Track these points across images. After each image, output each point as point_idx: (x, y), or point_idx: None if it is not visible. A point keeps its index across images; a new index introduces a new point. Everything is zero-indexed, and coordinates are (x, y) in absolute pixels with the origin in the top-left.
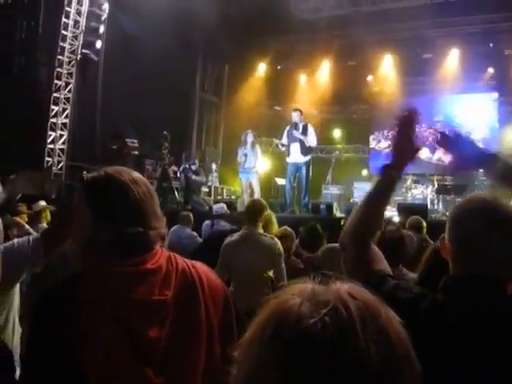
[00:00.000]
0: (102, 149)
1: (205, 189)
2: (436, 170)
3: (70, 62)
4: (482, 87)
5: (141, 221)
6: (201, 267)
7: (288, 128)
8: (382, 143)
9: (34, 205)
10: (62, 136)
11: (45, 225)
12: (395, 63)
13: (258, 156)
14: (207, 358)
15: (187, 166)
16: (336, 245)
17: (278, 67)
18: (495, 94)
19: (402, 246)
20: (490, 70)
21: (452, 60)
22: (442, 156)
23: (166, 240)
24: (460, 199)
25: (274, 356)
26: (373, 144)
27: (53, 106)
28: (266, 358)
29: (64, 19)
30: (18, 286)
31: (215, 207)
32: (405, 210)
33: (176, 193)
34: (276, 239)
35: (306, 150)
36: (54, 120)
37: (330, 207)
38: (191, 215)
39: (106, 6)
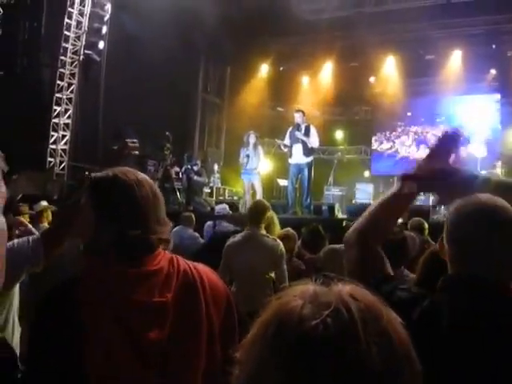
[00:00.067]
0: (104, 149)
1: (207, 190)
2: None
3: (72, 63)
4: (485, 88)
5: (143, 223)
6: (203, 269)
7: (290, 129)
8: (384, 144)
9: (36, 205)
10: (64, 136)
11: (46, 225)
12: (397, 64)
13: (260, 157)
14: (207, 358)
15: (189, 166)
16: (338, 246)
17: (281, 68)
18: (497, 96)
19: (404, 247)
20: (493, 72)
21: (454, 61)
22: None
23: (170, 243)
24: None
25: (276, 356)
26: (375, 145)
27: (55, 107)
28: (268, 359)
29: (67, 20)
30: (17, 286)
31: (217, 208)
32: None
33: (178, 194)
34: (278, 240)
35: (308, 151)
36: (56, 120)
37: (331, 208)
38: (193, 216)
39: (108, 7)
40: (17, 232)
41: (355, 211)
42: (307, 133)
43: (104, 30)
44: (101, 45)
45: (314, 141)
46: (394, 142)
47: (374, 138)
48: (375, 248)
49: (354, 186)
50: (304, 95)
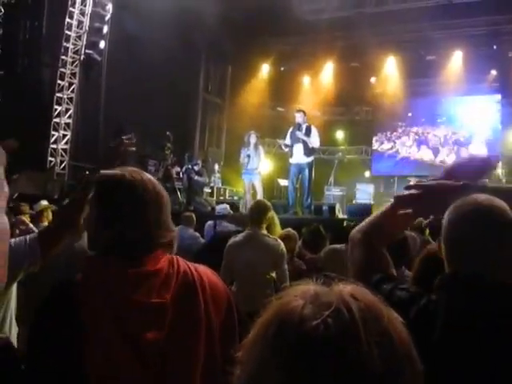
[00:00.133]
0: (104, 149)
1: (207, 189)
2: (439, 172)
3: (73, 63)
4: (485, 89)
5: (145, 224)
6: (203, 270)
7: (291, 129)
8: (384, 145)
9: (36, 205)
10: (64, 136)
11: (47, 224)
12: (398, 65)
13: (260, 157)
14: (207, 358)
15: (190, 166)
16: (339, 246)
17: (281, 68)
18: (498, 96)
19: (404, 247)
20: (494, 72)
21: (455, 62)
22: (445, 158)
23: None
24: None
25: (277, 356)
26: (375, 145)
27: (56, 106)
28: (268, 359)
29: (68, 19)
30: (15, 285)
31: (218, 208)
32: None
33: (178, 193)
34: (279, 240)
35: (308, 150)
36: (57, 120)
37: (332, 208)
38: (194, 216)
39: (109, 7)
40: (17, 231)
41: (356, 211)
42: (308, 133)
43: (105, 29)
44: (102, 44)
45: (314, 141)
46: (394, 143)
47: (374, 139)
48: (380, 249)
49: (355, 186)
50: (305, 95)
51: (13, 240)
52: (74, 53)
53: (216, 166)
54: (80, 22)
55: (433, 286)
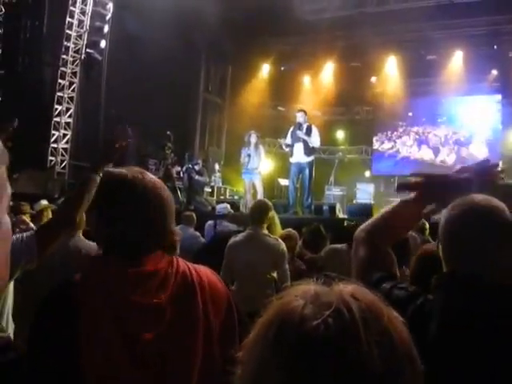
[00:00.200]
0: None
1: (208, 189)
2: (439, 172)
3: (74, 62)
4: (486, 89)
5: (145, 224)
6: (203, 270)
7: (292, 129)
8: (385, 144)
9: (36, 204)
10: (65, 135)
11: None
12: (399, 64)
13: (261, 157)
14: (205, 357)
15: (190, 166)
16: (339, 246)
17: (282, 68)
18: (498, 96)
19: (405, 247)
20: (494, 72)
21: (456, 62)
22: (446, 158)
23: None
24: None
25: (278, 356)
26: (376, 145)
27: (56, 106)
28: (269, 359)
29: (68, 19)
30: (11, 283)
31: (218, 207)
32: None
33: (179, 193)
34: (280, 240)
35: (309, 150)
36: (57, 119)
37: (332, 208)
38: (194, 215)
39: (110, 6)
40: (18, 231)
41: (356, 211)
42: (309, 132)
43: (106, 28)
44: (102, 44)
45: (315, 140)
46: (395, 142)
47: (375, 138)
48: (384, 248)
49: (355, 186)
50: (305, 95)
51: None
52: (74, 52)
53: (216, 166)
54: (81, 22)
55: (429, 285)
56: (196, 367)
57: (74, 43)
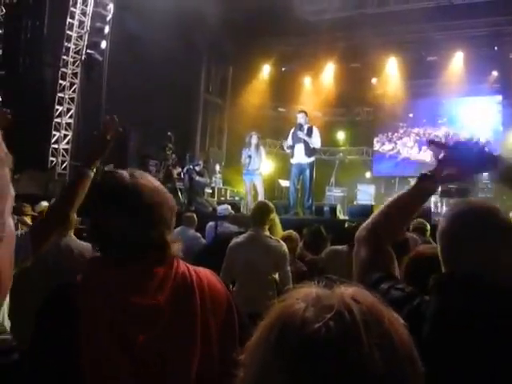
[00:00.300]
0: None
1: (208, 190)
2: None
3: (74, 62)
4: (487, 90)
5: (145, 226)
6: (203, 272)
7: (293, 130)
8: (385, 145)
9: (36, 206)
10: (66, 136)
11: None
12: (399, 65)
13: (262, 158)
14: (203, 357)
15: (191, 167)
16: (340, 247)
17: (282, 69)
18: (499, 97)
19: (405, 248)
20: (495, 73)
21: (456, 63)
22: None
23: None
24: None
25: (280, 359)
26: (376, 146)
27: (57, 106)
28: (271, 361)
29: (69, 19)
30: None
31: (219, 208)
32: None
33: (180, 194)
34: (281, 242)
35: (310, 151)
36: (58, 120)
37: (333, 209)
38: (195, 216)
39: (110, 7)
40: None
41: (357, 212)
42: (309, 133)
43: (106, 29)
44: (103, 44)
45: (316, 141)
46: (395, 143)
47: (375, 139)
48: (385, 247)
49: (356, 187)
50: (306, 96)
51: None
52: (75, 53)
53: (217, 167)
54: (81, 22)
55: (423, 286)
56: (193, 366)
57: (75, 44)
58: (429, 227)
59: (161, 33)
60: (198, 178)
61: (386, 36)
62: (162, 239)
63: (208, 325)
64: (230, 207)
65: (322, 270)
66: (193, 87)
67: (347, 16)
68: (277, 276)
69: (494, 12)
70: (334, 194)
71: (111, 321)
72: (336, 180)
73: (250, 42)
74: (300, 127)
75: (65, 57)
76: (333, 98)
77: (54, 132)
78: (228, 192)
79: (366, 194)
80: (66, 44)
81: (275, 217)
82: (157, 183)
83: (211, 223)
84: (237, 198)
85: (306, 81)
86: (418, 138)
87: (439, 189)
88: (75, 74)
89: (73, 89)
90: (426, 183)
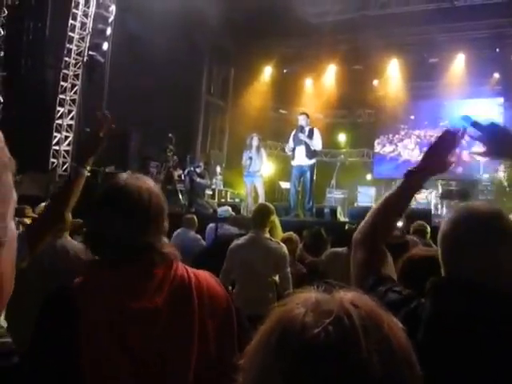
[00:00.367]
0: (106, 150)
1: (209, 192)
2: (441, 175)
3: (76, 64)
4: (488, 92)
5: (140, 229)
6: (203, 274)
7: (294, 132)
8: (386, 147)
9: (37, 208)
10: (67, 137)
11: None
12: (401, 67)
13: (262, 160)
14: (200, 357)
15: (192, 168)
16: (340, 249)
17: (284, 71)
18: (501, 99)
19: (405, 250)
20: (496, 75)
21: (458, 65)
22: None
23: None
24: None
25: (281, 361)
26: (377, 148)
27: (58, 108)
28: (272, 364)
29: (71, 21)
30: None
31: (220, 210)
32: (409, 214)
33: (180, 195)
34: (282, 244)
35: (311, 153)
36: (59, 121)
37: (334, 211)
38: (195, 218)
39: (112, 9)
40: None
41: (357, 214)
42: (311, 135)
43: (108, 31)
44: (105, 46)
45: (317, 143)
46: (396, 145)
47: (376, 141)
48: (381, 247)
49: (357, 189)
50: (307, 98)
51: None
52: (77, 54)
53: (218, 169)
54: (83, 24)
55: (420, 288)
56: (190, 366)
57: (77, 45)
58: (429, 229)
59: (163, 34)
60: (198, 179)
61: (388, 38)
62: (155, 241)
63: (205, 325)
64: (230, 209)
65: (322, 272)
66: (194, 88)
67: (349, 18)
68: (277, 278)
69: (495, 14)
70: (335, 195)
71: (110, 321)
72: (337, 182)
73: (251, 43)
74: (301, 129)
75: (66, 58)
76: (334, 100)
77: (55, 133)
78: (228, 194)
79: (366, 196)
80: (67, 45)
81: (275, 219)
82: (152, 185)
83: (211, 225)
84: (237, 200)
85: (308, 83)
86: (419, 140)
87: (439, 190)
88: (77, 76)
89: (74, 90)
90: (412, 180)
